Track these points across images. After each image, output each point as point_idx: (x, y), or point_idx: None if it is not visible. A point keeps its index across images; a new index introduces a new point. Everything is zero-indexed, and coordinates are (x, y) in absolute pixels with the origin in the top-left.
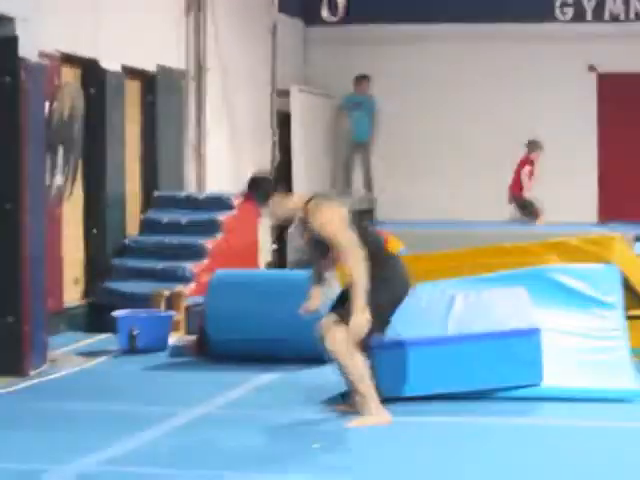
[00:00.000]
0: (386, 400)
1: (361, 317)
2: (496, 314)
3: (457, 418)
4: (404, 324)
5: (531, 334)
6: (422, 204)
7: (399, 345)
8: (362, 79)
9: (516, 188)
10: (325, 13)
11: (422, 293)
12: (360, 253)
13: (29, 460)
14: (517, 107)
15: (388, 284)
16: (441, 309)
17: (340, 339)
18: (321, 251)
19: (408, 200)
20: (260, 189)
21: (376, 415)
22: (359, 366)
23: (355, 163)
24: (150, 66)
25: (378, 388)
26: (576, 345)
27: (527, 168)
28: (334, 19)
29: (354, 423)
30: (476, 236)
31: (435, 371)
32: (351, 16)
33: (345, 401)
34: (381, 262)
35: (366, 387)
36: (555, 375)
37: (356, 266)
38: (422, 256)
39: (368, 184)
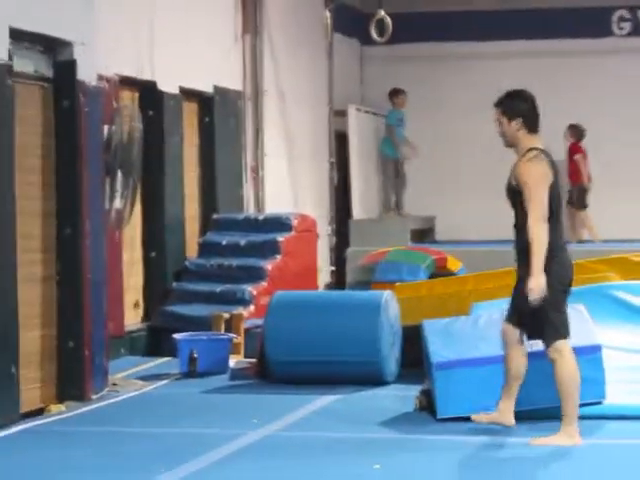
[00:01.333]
0: (446, 420)
1: (539, 279)
2: None
3: (521, 439)
4: (463, 343)
5: (592, 351)
6: (480, 222)
7: (461, 364)
8: (401, 93)
9: (580, 176)
10: (373, 33)
11: (480, 312)
12: (545, 213)
13: None
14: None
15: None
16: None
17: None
18: (513, 206)
19: (465, 219)
20: (514, 104)
21: (567, 436)
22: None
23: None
24: (207, 88)
25: (437, 407)
26: (638, 362)
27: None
28: (381, 40)
29: (538, 442)
30: None
31: (497, 390)
32: (406, 34)
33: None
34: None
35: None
36: (617, 393)
37: (537, 224)
38: (480, 275)
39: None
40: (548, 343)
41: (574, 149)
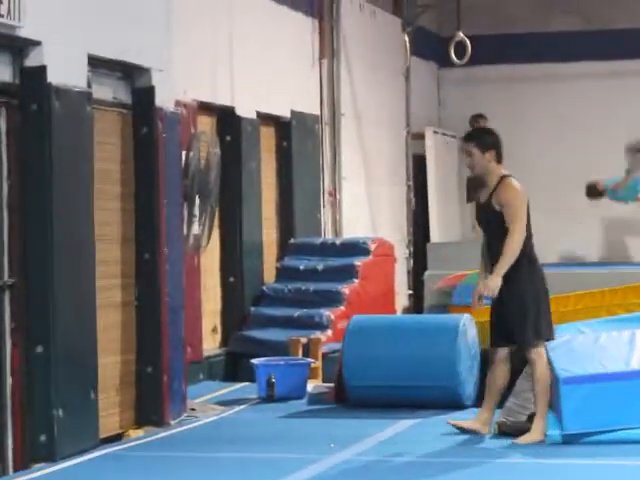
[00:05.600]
0: (571, 436)
1: (496, 280)
2: None
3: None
4: (588, 359)
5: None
6: (550, 245)
7: (587, 379)
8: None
9: None
10: (453, 56)
11: (567, 334)
12: (523, 234)
13: None
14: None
15: (534, 282)
16: (621, 346)
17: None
18: (492, 227)
19: (542, 240)
20: (486, 138)
21: (540, 433)
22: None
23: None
24: (284, 112)
25: (563, 422)
26: None
27: None
28: (461, 62)
29: (521, 440)
30: (608, 276)
31: (623, 406)
32: (484, 56)
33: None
34: (530, 261)
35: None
36: None
37: (519, 236)
38: (558, 298)
39: None
40: (531, 346)
41: None
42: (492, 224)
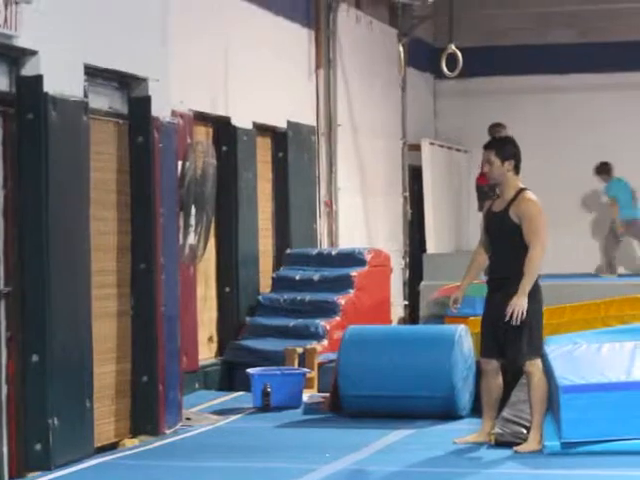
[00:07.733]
0: (569, 444)
1: (522, 300)
2: None
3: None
4: (589, 369)
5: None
6: (554, 256)
7: (588, 389)
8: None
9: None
10: (444, 68)
11: (553, 346)
12: (544, 249)
13: None
14: None
15: (534, 296)
16: (622, 356)
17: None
18: (506, 238)
19: None
20: (506, 148)
21: (538, 442)
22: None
23: None
24: (281, 123)
25: (562, 431)
26: None
27: None
28: (452, 74)
29: (519, 449)
30: (603, 288)
31: (624, 416)
32: (481, 68)
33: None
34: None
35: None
36: None
37: (541, 253)
38: (552, 309)
39: None
40: (528, 358)
41: None
42: (506, 235)
